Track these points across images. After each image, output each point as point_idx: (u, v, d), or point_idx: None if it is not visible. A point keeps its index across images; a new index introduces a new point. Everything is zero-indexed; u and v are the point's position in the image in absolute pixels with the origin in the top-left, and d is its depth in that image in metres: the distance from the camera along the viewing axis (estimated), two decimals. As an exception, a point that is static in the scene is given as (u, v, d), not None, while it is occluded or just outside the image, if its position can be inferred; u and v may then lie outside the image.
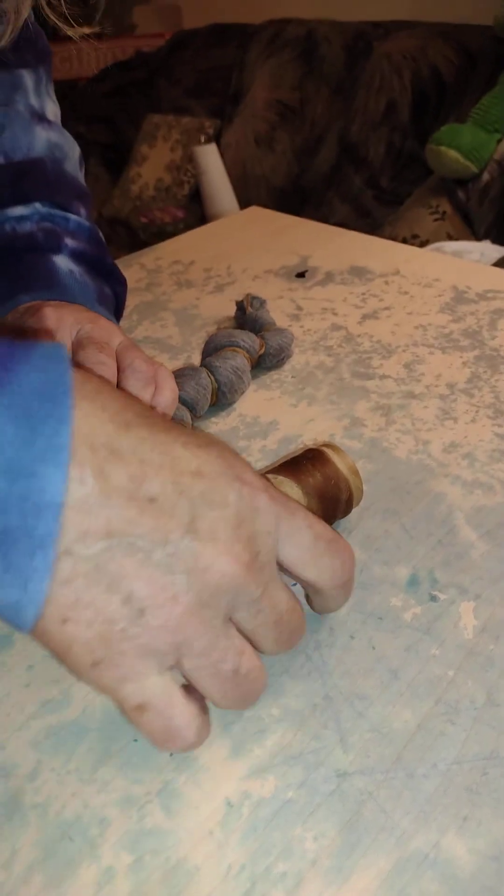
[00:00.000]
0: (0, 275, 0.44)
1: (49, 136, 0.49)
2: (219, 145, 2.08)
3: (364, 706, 0.29)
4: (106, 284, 0.48)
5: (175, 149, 2.23)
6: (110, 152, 2.37)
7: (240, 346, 0.49)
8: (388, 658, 0.30)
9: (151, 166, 2.26)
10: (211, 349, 0.50)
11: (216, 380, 0.46)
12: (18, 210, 0.47)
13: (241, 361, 0.47)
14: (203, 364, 0.47)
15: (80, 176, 0.52)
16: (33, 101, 0.49)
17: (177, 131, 2.25)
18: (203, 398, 0.45)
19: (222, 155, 2.02)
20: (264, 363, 0.51)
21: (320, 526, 0.26)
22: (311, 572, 0.26)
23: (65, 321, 0.39)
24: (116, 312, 0.49)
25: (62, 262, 0.45)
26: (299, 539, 0.25)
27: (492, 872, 0.24)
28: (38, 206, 0.47)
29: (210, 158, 1.97)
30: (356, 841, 0.25)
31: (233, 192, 2.01)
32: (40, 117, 0.49)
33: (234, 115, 2.19)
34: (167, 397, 0.39)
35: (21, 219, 0.46)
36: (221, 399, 0.47)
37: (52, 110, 0.51)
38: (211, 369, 0.46)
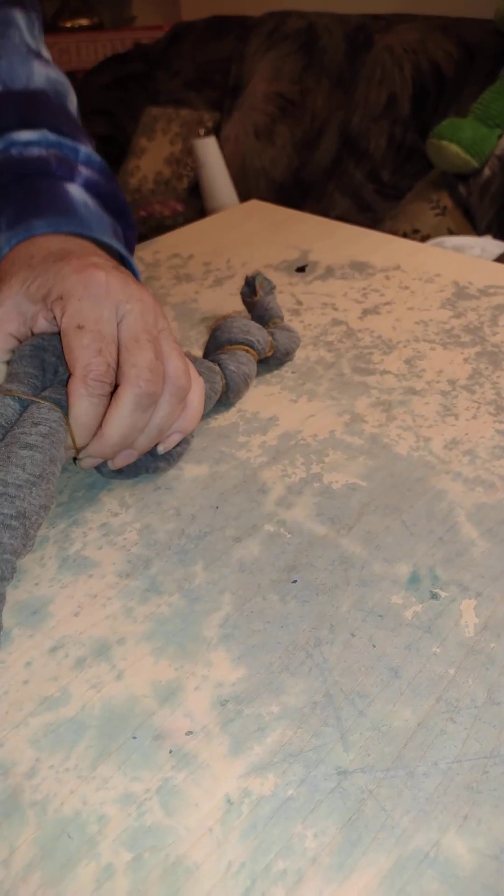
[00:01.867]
0: (7, 199, 0.41)
1: (48, 73, 0.47)
2: (218, 138, 2.08)
3: (364, 704, 0.28)
4: (118, 223, 0.45)
5: (174, 142, 2.22)
6: (109, 145, 2.36)
7: (254, 348, 0.46)
8: (388, 656, 0.30)
9: (150, 159, 2.25)
10: (223, 341, 0.47)
11: (226, 384, 0.44)
12: (25, 135, 0.43)
13: (252, 368, 0.46)
14: (216, 360, 0.45)
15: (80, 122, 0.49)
16: (28, 38, 0.47)
17: (176, 124, 2.24)
18: (211, 402, 0.43)
19: (222, 148, 2.01)
20: (267, 363, 0.50)
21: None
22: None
23: (112, 291, 0.36)
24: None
25: (76, 191, 0.42)
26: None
27: (492, 871, 0.24)
28: (46, 132, 0.44)
29: (209, 151, 1.96)
30: (356, 839, 0.25)
31: (232, 185, 2.01)
32: (37, 54, 0.47)
33: (234, 107, 2.18)
34: (195, 415, 0.38)
35: (29, 144, 0.43)
36: (222, 401, 0.46)
37: (47, 54, 0.48)
38: (225, 372, 0.44)
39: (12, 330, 0.36)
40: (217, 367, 0.44)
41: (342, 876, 0.24)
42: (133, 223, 0.47)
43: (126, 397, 0.35)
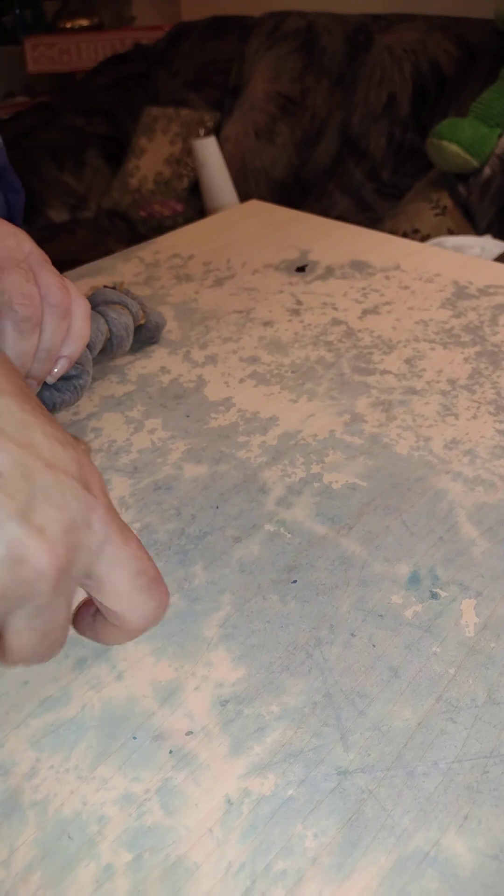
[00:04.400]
0: None
1: None
2: (218, 138, 2.07)
3: (364, 704, 0.28)
4: None
5: (174, 142, 2.22)
6: (109, 145, 2.36)
7: (128, 307, 0.50)
8: (388, 656, 0.30)
9: (150, 159, 2.25)
10: (100, 301, 0.50)
11: (110, 329, 0.47)
12: None
13: (130, 322, 0.49)
14: (96, 311, 0.48)
15: None
16: None
17: (176, 124, 2.24)
18: (99, 341, 0.46)
19: (222, 148, 2.01)
20: (138, 335, 0.52)
21: (148, 562, 0.25)
22: (122, 605, 0.24)
23: None
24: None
25: None
26: (123, 568, 0.24)
27: (492, 871, 0.24)
28: None
29: (209, 151, 1.96)
30: (356, 839, 0.25)
31: (232, 185, 2.01)
32: None
33: (234, 107, 2.18)
34: (81, 333, 0.37)
35: None
36: (107, 349, 0.48)
37: None
38: (106, 319, 0.47)
39: None
40: (99, 315, 0.47)
41: (342, 876, 0.24)
42: (17, 187, 0.46)
43: (4, 326, 0.34)
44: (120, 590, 0.24)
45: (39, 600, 0.22)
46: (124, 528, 0.24)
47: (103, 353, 0.48)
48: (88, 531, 0.23)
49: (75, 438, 0.24)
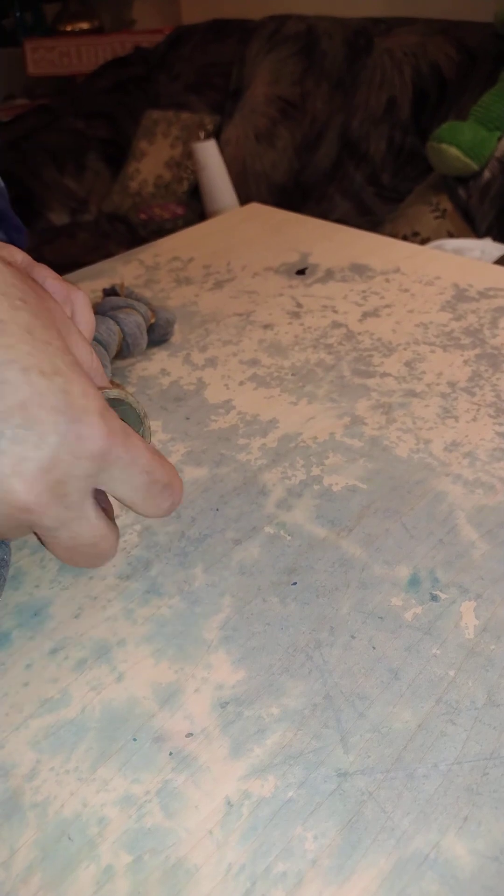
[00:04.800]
0: None
1: None
2: (219, 141, 2.08)
3: (364, 706, 0.29)
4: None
5: (174, 145, 2.22)
6: (109, 148, 2.37)
7: (136, 309, 0.50)
8: (388, 658, 0.30)
9: (151, 162, 2.25)
10: (108, 309, 0.50)
11: (122, 329, 0.47)
12: None
13: (140, 320, 0.49)
14: (107, 316, 0.48)
15: None
16: None
17: (176, 127, 2.24)
18: (113, 342, 0.46)
19: (222, 151, 2.02)
20: (151, 334, 0.52)
21: (160, 470, 0.27)
22: (138, 509, 0.27)
23: None
24: None
25: None
26: (131, 484, 0.26)
27: (492, 873, 0.24)
28: None
29: (209, 154, 1.96)
30: (356, 841, 0.25)
31: (232, 188, 2.01)
32: None
33: (234, 110, 2.18)
34: (86, 319, 0.37)
35: None
36: (124, 351, 0.48)
37: None
38: (116, 320, 0.48)
39: None
40: (107, 317, 0.48)
41: (342, 878, 0.24)
42: (18, 227, 0.47)
43: None
44: (134, 500, 0.26)
45: (40, 529, 0.24)
46: (127, 441, 0.25)
47: (120, 355, 0.48)
48: (79, 463, 0.24)
49: (64, 359, 0.25)
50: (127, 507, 0.27)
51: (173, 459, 0.42)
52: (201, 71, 2.32)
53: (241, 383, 0.49)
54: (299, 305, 0.59)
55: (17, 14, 3.03)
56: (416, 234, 1.55)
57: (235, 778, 0.26)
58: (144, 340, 0.50)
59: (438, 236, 1.51)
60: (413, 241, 1.40)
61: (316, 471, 0.41)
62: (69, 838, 0.25)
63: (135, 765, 0.27)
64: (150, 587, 0.34)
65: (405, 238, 1.51)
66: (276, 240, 0.71)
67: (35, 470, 0.23)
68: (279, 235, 0.72)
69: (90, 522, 0.25)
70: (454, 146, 1.48)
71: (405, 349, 0.52)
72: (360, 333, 0.54)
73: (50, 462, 0.23)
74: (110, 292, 0.55)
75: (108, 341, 0.45)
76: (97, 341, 0.45)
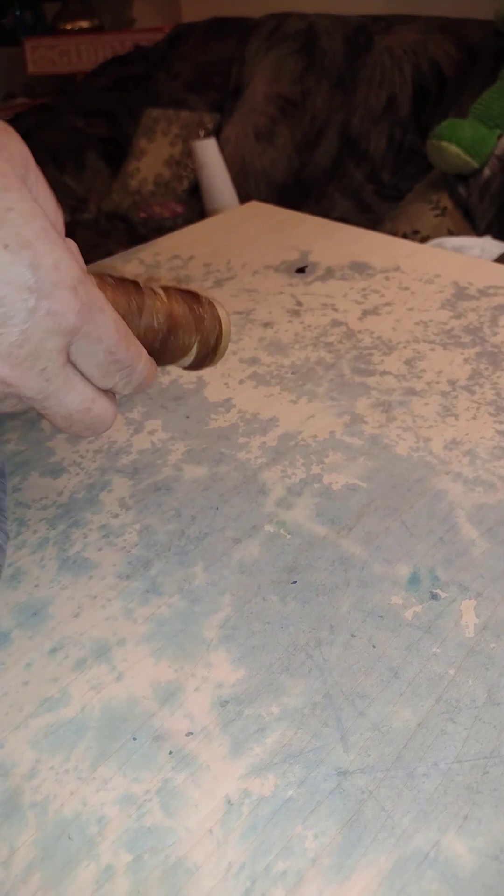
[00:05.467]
0: None
1: None
2: (218, 140, 2.08)
3: (364, 705, 0.28)
4: None
5: (174, 143, 2.22)
6: (109, 146, 2.36)
7: None
8: (388, 656, 0.30)
9: (150, 161, 2.25)
10: None
11: None
12: None
13: None
14: None
15: None
16: None
17: (176, 126, 2.24)
18: None
19: (222, 149, 2.01)
20: None
21: (123, 350, 0.27)
22: (100, 383, 0.28)
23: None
24: None
25: None
26: (94, 359, 0.26)
27: (492, 871, 0.24)
28: None
29: (209, 153, 1.96)
30: (356, 839, 0.25)
31: (232, 186, 2.01)
32: None
33: (234, 109, 2.18)
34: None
35: None
36: None
37: None
38: None
39: None
40: None
41: (342, 876, 0.24)
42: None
43: None
44: (93, 375, 0.27)
45: (29, 401, 0.26)
46: (96, 317, 0.26)
47: None
48: (49, 337, 0.24)
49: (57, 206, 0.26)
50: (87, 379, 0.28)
51: (173, 458, 0.42)
52: (201, 69, 2.31)
53: (241, 382, 0.49)
54: (299, 304, 0.59)
55: (17, 13, 3.03)
56: (416, 232, 1.55)
57: (235, 777, 0.26)
58: None
59: (438, 234, 1.51)
60: (413, 240, 1.40)
61: (316, 469, 0.41)
62: (69, 837, 0.25)
63: (135, 764, 0.27)
64: (150, 586, 0.34)
65: (405, 236, 1.51)
66: (276, 238, 0.71)
67: (6, 345, 0.24)
68: (279, 234, 0.72)
69: (75, 389, 0.26)
70: (454, 144, 1.47)
71: (405, 347, 0.52)
72: (360, 332, 0.54)
73: (20, 338, 0.24)
74: None
75: None
76: None
